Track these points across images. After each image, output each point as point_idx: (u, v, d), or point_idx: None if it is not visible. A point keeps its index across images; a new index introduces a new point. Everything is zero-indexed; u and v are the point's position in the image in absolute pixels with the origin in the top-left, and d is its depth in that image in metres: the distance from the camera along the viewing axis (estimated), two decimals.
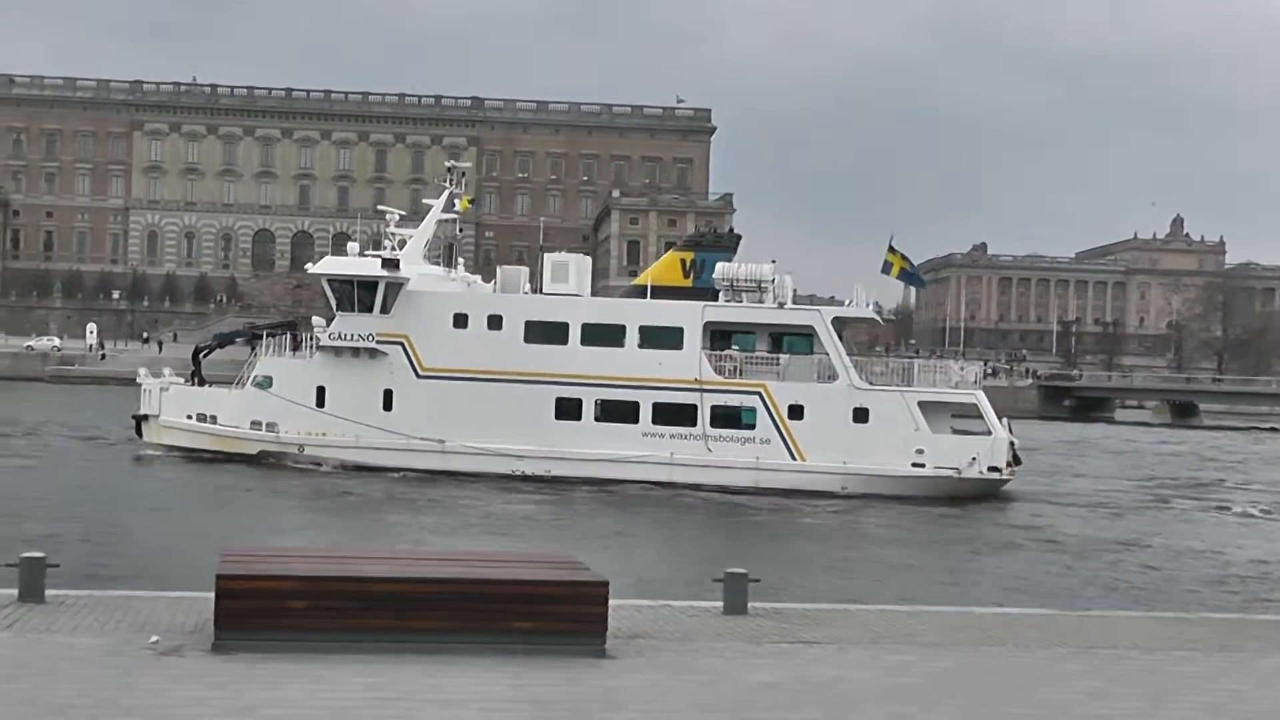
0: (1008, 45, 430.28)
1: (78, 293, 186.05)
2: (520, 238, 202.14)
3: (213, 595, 15.73)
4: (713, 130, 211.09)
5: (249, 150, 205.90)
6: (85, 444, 64.27)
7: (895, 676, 15.63)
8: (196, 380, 60.76)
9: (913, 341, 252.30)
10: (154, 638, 15.88)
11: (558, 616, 16.03)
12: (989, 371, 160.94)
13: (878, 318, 60.33)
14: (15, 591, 17.74)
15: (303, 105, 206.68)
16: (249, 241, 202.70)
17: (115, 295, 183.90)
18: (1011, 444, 54.47)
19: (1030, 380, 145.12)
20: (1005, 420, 55.18)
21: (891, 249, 58.88)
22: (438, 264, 62.22)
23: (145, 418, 58.93)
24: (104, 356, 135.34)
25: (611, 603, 16.45)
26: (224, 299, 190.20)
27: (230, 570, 15.90)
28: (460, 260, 72.05)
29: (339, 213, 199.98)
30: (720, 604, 19.00)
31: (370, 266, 56.54)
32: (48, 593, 17.80)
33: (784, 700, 14.41)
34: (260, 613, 15.51)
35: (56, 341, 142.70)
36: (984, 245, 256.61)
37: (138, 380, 60.66)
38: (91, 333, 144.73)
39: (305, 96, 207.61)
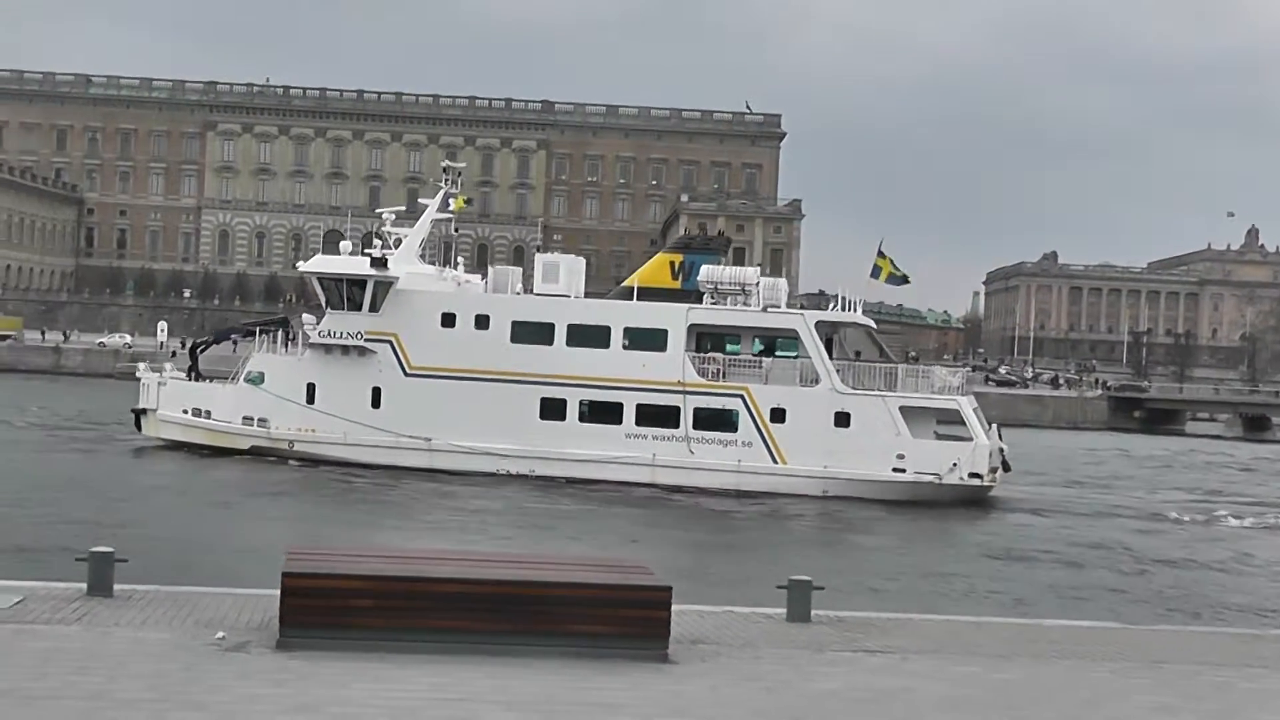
0: (1085, 50, 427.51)
1: (150, 291, 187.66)
2: (588, 241, 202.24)
3: (278, 593, 15.82)
4: (782, 136, 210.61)
5: (320, 151, 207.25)
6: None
7: (959, 688, 15.52)
8: (194, 375, 61.66)
9: (980, 350, 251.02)
10: (220, 634, 15.99)
11: (621, 621, 16.01)
12: (1059, 382, 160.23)
13: (872, 323, 61.23)
14: (84, 585, 17.92)
15: (374, 107, 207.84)
16: (319, 241, 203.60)
17: (186, 294, 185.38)
18: (1001, 450, 54.60)
19: (1100, 391, 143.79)
20: (995, 427, 55.26)
21: (881, 254, 59.22)
22: (433, 263, 62.60)
23: (144, 412, 59.80)
24: (174, 354, 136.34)
25: (674, 608, 16.42)
26: (293, 298, 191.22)
27: (296, 568, 15.97)
28: (460, 260, 72.26)
29: (408, 214, 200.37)
30: (783, 611, 18.92)
31: (360, 265, 57.13)
32: (116, 587, 17.96)
33: (846, 709, 14.34)
34: (325, 611, 15.57)
35: (128, 339, 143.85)
36: (1054, 254, 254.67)
37: (137, 375, 61.68)
38: (162, 330, 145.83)
39: (376, 99, 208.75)
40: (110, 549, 18.16)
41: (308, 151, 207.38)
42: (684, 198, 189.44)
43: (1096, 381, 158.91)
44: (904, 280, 62.90)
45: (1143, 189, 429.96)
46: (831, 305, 57.84)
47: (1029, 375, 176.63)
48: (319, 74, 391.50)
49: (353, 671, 14.48)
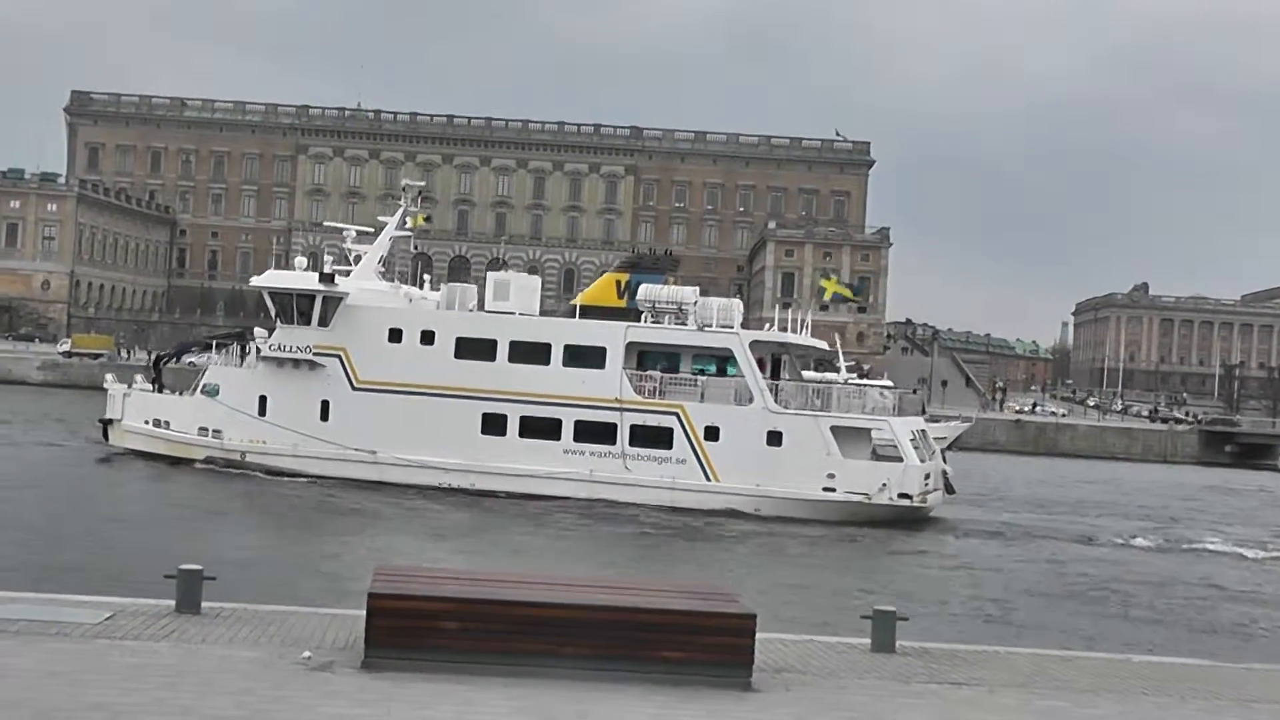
0: (1180, 80, 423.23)
1: (240, 311, 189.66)
2: (675, 267, 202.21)
3: (364, 613, 15.90)
4: (871, 163, 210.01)
5: (409, 175, 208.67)
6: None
7: None
8: (157, 387, 63.17)
9: (1069, 381, 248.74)
10: (306, 653, 16.08)
11: (705, 647, 15.94)
12: (1149, 414, 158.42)
13: (822, 345, 63.07)
14: (173, 602, 18.10)
15: (463, 132, 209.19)
16: (407, 264, 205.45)
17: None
18: (945, 473, 55.23)
19: (1190, 425, 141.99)
20: (940, 449, 55.69)
21: (825, 275, 60.17)
22: (391, 279, 63.59)
23: (111, 421, 61.14)
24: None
25: (759, 636, 16.35)
26: None
27: (383, 589, 16.04)
28: (427, 276, 73.35)
29: (496, 238, 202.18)
30: (868, 641, 18.80)
31: (309, 280, 58.07)
32: (204, 604, 18.13)
33: None
34: (411, 632, 15.62)
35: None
36: (1145, 285, 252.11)
37: (104, 385, 63.12)
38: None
39: (466, 123, 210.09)
40: (199, 566, 18.34)
41: (397, 175, 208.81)
42: (771, 224, 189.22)
43: (1187, 415, 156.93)
44: (853, 296, 63.95)
45: (1237, 220, 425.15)
46: (768, 326, 58.48)
47: (1117, 408, 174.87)
48: (410, 98, 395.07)
49: (436, 693, 14.52)
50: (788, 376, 57.81)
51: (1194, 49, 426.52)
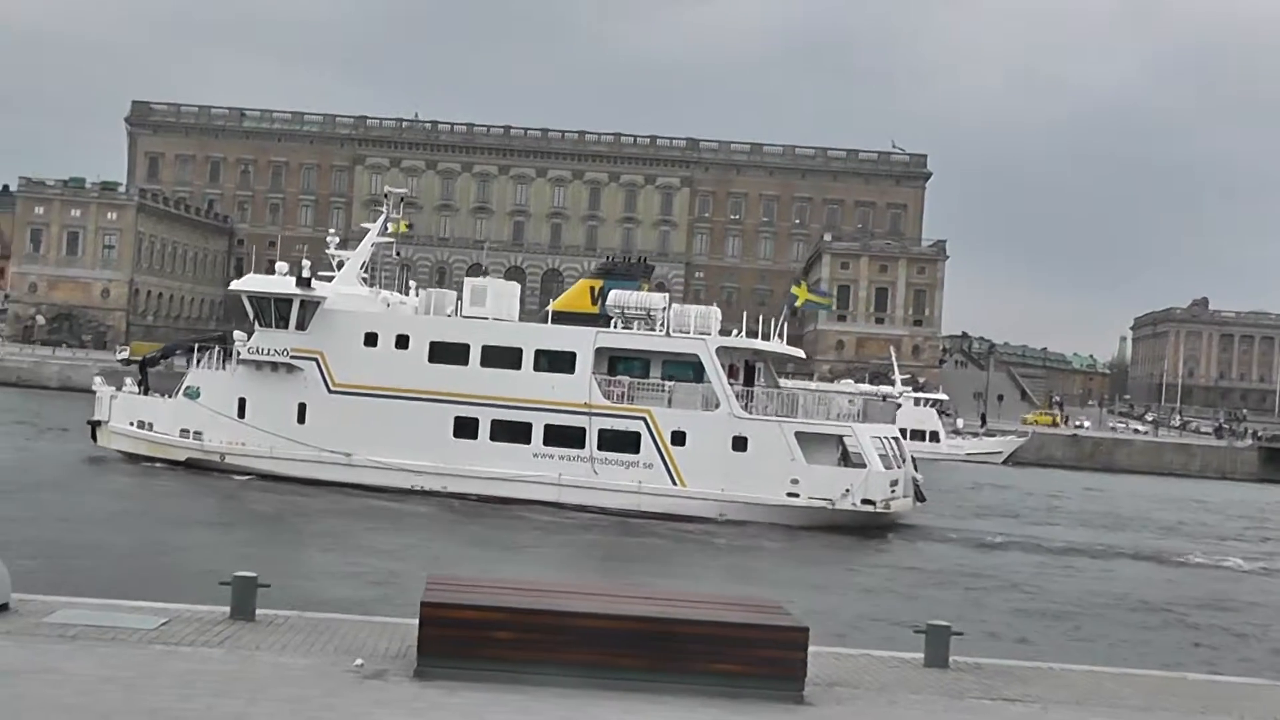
0: (1241, 89, 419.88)
1: None
2: (730, 279, 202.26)
3: (417, 621, 15.96)
4: (928, 176, 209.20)
5: (466, 186, 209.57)
6: None
7: None
8: (144, 389, 63.80)
9: (1127, 396, 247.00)
10: (359, 661, 16.16)
11: (757, 661, 15.92)
12: (1215, 430, 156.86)
13: (801, 354, 63.65)
14: (227, 609, 18.23)
15: (519, 143, 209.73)
16: (462, 274, 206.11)
17: None
18: (915, 481, 55.87)
19: (1250, 441, 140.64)
20: (910, 459, 56.49)
21: (797, 281, 60.94)
22: (373, 285, 64.47)
23: (99, 423, 62.04)
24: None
25: (811, 649, 16.30)
26: None
27: (435, 598, 16.10)
28: (413, 283, 74.32)
29: (551, 249, 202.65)
30: (921, 655, 18.71)
31: (287, 285, 58.91)
32: (258, 611, 18.24)
33: None
34: (464, 641, 15.67)
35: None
36: (1205, 300, 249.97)
37: (93, 387, 64.11)
38: None
39: (522, 134, 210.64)
40: (253, 574, 18.47)
41: (454, 186, 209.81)
42: (827, 237, 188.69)
43: (1246, 431, 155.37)
44: (825, 303, 65.09)
45: None
46: (735, 332, 58.96)
47: (1175, 423, 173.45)
48: (466, 109, 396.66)
49: (488, 702, 14.55)
50: (763, 383, 58.31)
51: (1252, 57, 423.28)
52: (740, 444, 54.00)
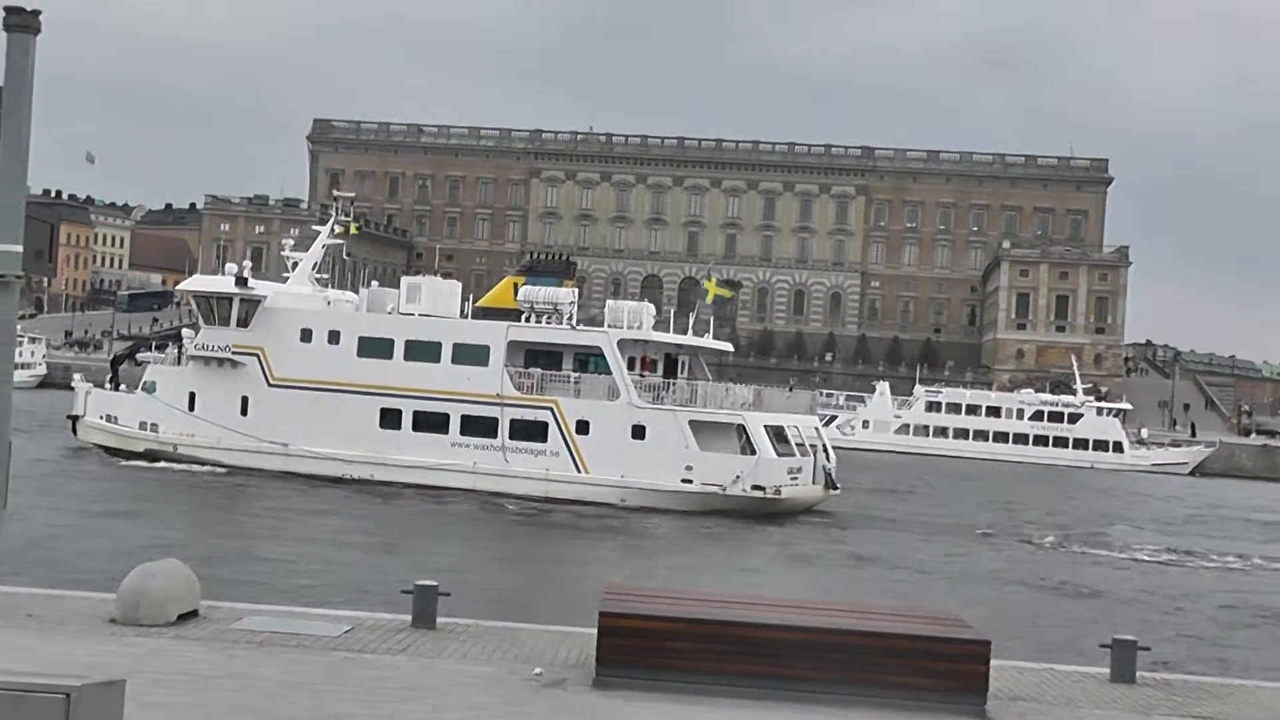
0: None
1: None
2: (907, 288, 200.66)
3: (595, 631, 16.01)
4: (1109, 181, 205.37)
5: (640, 197, 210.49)
6: None
7: None
8: (114, 385, 67.02)
9: None
10: (538, 669, 16.25)
11: (937, 673, 15.70)
12: None
13: (729, 347, 65.77)
14: (409, 617, 18.49)
15: (693, 154, 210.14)
16: (637, 286, 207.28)
17: None
18: (826, 469, 57.81)
19: None
20: (828, 449, 58.97)
21: (707, 276, 61.09)
22: (327, 285, 68.19)
23: (77, 418, 65.38)
24: None
25: (993, 663, 16.04)
26: None
27: (613, 608, 16.14)
28: (375, 284, 76.28)
29: (725, 260, 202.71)
30: (1107, 670, 18.29)
31: (227, 284, 62.18)
32: (438, 620, 18.47)
33: None
34: (642, 651, 15.69)
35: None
36: None
37: (72, 385, 67.85)
38: None
39: (696, 145, 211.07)
40: (434, 583, 18.72)
41: (628, 198, 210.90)
42: (1006, 244, 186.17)
43: None
44: (730, 296, 65.56)
45: None
46: (647, 325, 60.50)
47: None
48: (640, 121, 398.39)
49: (668, 712, 14.54)
50: (689, 376, 60.72)
51: None
52: (639, 432, 56.23)
